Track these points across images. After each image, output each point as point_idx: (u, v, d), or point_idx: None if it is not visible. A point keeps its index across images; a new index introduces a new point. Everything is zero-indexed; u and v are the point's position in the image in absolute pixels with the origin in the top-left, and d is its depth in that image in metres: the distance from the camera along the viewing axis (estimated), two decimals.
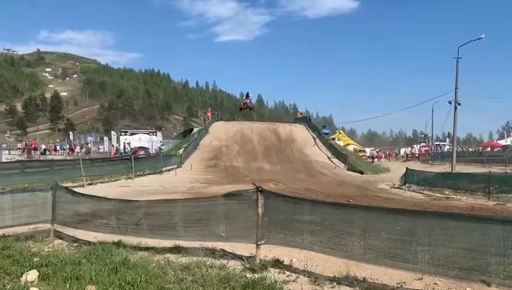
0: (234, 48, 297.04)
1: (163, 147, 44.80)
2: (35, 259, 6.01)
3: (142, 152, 42.49)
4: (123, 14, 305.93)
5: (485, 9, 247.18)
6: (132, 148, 44.42)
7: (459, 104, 27.60)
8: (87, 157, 33.24)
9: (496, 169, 27.01)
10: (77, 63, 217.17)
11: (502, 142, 68.77)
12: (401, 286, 5.14)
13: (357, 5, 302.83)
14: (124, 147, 46.36)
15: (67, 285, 4.88)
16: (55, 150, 47.61)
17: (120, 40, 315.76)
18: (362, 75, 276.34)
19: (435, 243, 4.82)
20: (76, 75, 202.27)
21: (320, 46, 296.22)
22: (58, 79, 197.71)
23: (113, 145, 50.99)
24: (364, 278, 5.38)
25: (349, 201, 13.03)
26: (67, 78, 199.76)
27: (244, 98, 45.58)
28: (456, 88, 27.59)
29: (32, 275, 5.16)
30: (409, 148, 67.76)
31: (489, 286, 4.57)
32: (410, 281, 5.27)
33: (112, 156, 39.84)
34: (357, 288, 5.07)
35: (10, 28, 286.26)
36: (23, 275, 5.13)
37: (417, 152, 59.99)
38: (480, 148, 68.11)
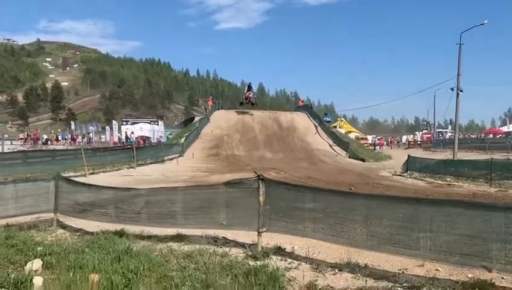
0: (235, 35, 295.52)
1: (170, 137, 44.65)
2: (39, 248, 6.05)
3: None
4: (123, 3, 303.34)
5: None
6: (137, 138, 44.13)
7: (461, 90, 27.40)
8: (89, 147, 33.28)
9: (498, 156, 26.91)
10: (77, 53, 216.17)
11: (504, 128, 68.47)
12: (403, 272, 5.17)
13: None
14: (126, 137, 46.28)
15: (71, 273, 4.91)
16: (57, 140, 47.68)
17: (120, 29, 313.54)
18: (363, 62, 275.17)
19: (437, 229, 4.83)
20: (76, 65, 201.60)
21: (321, 33, 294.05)
22: (59, 69, 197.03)
23: (112, 135, 50.91)
24: (365, 264, 5.41)
25: (350, 189, 13.05)
26: (68, 68, 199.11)
27: (245, 90, 39.44)
28: (458, 74, 27.39)
29: (36, 263, 5.20)
30: (411, 136, 67.65)
31: (490, 271, 4.59)
32: (411, 268, 5.30)
33: (112, 146, 39.63)
34: (359, 274, 5.09)
35: (9, 17, 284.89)
36: (27, 264, 5.18)
37: (419, 139, 59.89)
38: (483, 135, 67.92)
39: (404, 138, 66.97)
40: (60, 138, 49.55)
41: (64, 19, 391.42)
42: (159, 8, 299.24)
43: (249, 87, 38.91)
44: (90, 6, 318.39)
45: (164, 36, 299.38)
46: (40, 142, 43.45)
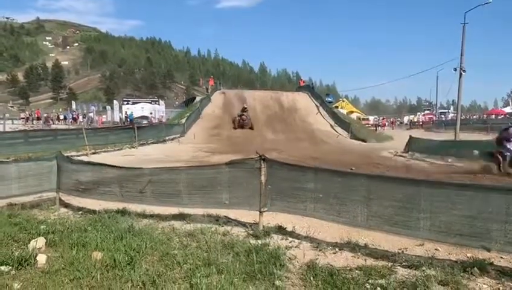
0: (236, 14, 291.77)
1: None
2: (42, 227, 6.12)
3: (145, 121, 42.34)
4: None
5: None
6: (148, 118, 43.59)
7: (464, 71, 27.21)
8: (89, 127, 33.24)
9: None
10: (77, 31, 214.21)
11: (507, 109, 68.15)
12: (402, 251, 5.21)
13: None
14: (126, 117, 46.11)
15: (74, 251, 4.98)
16: (58, 119, 47.63)
17: (120, 7, 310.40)
18: (366, 41, 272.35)
19: (437, 210, 4.84)
20: (76, 44, 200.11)
21: (322, 12, 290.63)
22: (59, 48, 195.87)
23: (100, 115, 50.96)
24: (365, 244, 5.46)
25: (351, 169, 13.06)
26: (68, 47, 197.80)
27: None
28: (461, 55, 27.17)
29: (39, 241, 5.26)
30: (413, 116, 67.44)
31: (489, 251, 4.63)
32: (411, 247, 5.34)
33: (99, 126, 38.95)
34: (359, 253, 5.14)
35: None
36: (31, 242, 5.23)
37: (421, 120, 59.74)
38: (485, 115, 67.66)
39: (405, 118, 66.77)
40: (61, 117, 49.54)
41: None
42: None
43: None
44: None
45: (164, 15, 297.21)
46: (41, 121, 43.48)
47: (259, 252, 4.92)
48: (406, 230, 5.04)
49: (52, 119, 46.11)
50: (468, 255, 4.97)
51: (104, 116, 56.41)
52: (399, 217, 5.11)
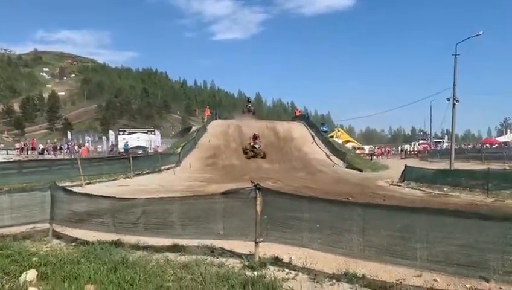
0: (231, 46, 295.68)
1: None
2: (34, 258, 6.00)
3: (140, 151, 42.24)
4: (119, 13, 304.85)
5: (485, 4, 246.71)
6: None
7: (457, 101, 27.59)
8: (72, 157, 33.02)
9: (495, 166, 26.98)
10: (75, 63, 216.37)
11: (501, 138, 68.74)
12: (401, 282, 5.14)
13: (352, 2, 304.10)
14: (113, 147, 45.94)
15: (66, 284, 4.87)
16: (54, 149, 47.22)
17: (117, 39, 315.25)
18: (360, 72, 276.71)
19: (434, 239, 4.83)
20: (73, 75, 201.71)
21: (318, 43, 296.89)
22: (56, 79, 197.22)
23: (84, 145, 50.74)
24: (363, 275, 5.38)
25: (348, 198, 13.02)
26: (65, 78, 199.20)
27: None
28: (454, 85, 27.60)
29: (31, 274, 5.15)
30: (409, 146, 67.85)
31: (488, 282, 4.58)
32: (409, 278, 5.28)
33: (83, 156, 38.27)
34: (357, 285, 5.07)
35: (7, 28, 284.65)
36: (22, 275, 5.12)
37: (416, 149, 60.11)
38: (479, 145, 68.14)
39: (400, 147, 67.13)
40: (60, 146, 49.27)
41: (61, 29, 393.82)
42: (155, 18, 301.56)
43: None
44: (86, 17, 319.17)
45: (161, 46, 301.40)
46: (36, 152, 43.22)
47: (255, 285, 4.84)
48: (404, 260, 4.99)
49: (47, 150, 45.77)
50: (467, 285, 4.92)
51: (99, 146, 56.27)
52: (396, 246, 5.08)
